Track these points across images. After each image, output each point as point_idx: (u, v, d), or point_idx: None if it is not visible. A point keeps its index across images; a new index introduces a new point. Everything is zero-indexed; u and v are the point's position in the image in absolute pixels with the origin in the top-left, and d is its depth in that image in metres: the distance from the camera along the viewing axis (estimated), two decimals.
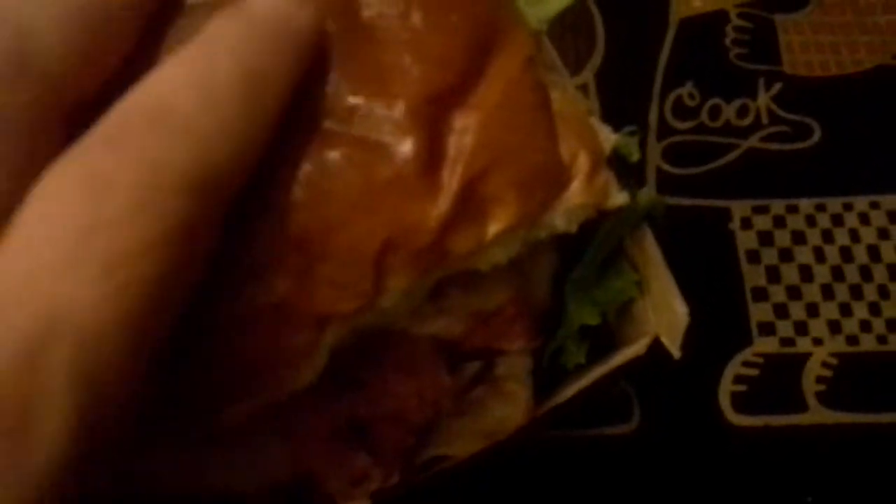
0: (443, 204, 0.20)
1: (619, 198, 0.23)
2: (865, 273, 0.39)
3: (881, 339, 0.37)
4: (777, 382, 0.37)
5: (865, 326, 0.38)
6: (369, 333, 0.23)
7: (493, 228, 0.21)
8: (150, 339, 0.16)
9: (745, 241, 0.40)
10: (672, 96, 0.43)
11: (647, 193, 0.27)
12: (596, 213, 0.23)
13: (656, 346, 0.27)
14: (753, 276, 0.39)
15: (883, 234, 0.39)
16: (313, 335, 0.20)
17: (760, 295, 0.38)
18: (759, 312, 0.38)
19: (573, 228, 0.23)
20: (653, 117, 0.42)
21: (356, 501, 0.25)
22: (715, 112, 0.43)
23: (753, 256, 0.39)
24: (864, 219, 0.40)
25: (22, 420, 0.14)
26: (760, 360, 0.37)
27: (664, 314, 0.28)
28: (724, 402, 0.36)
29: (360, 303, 0.20)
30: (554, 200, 0.22)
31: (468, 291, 0.25)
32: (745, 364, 0.37)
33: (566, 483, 0.36)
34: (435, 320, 0.25)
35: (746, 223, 0.40)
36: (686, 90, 0.43)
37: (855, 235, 0.40)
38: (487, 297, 0.25)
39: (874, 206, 0.40)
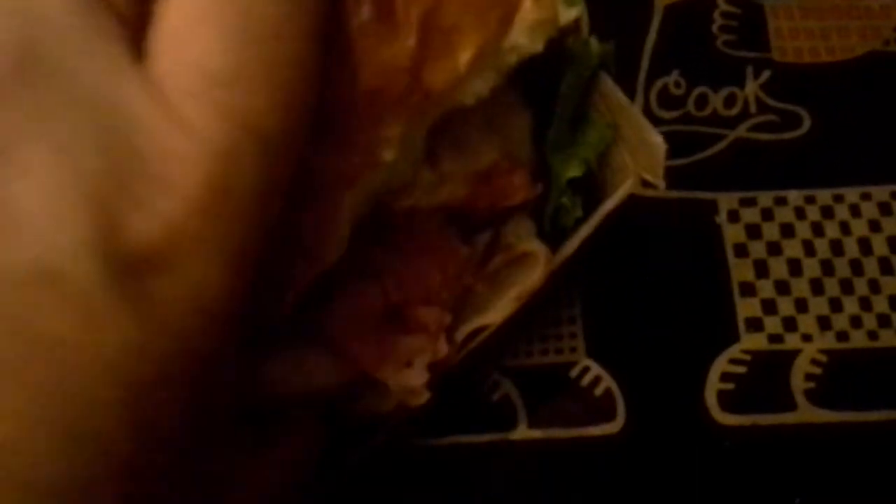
0: (408, 40, 0.22)
1: (570, 13, 0.26)
2: (856, 267, 0.38)
3: (872, 335, 0.36)
4: (765, 380, 0.36)
5: (856, 322, 0.37)
6: (385, 213, 0.25)
7: (464, 57, 0.23)
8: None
9: (733, 234, 0.39)
10: (658, 85, 0.42)
11: (595, 42, 0.29)
12: (555, 31, 0.25)
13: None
14: (741, 271, 0.38)
15: (874, 226, 0.38)
16: (330, 208, 0.22)
17: (748, 290, 0.37)
18: (747, 308, 0.37)
19: (538, 46, 0.24)
20: (637, 107, 0.41)
21: (415, 377, 0.27)
22: (702, 101, 0.42)
23: (741, 250, 0.38)
24: (855, 211, 0.39)
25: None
26: (748, 357, 0.36)
27: (641, 152, 0.29)
28: (711, 400, 0.35)
29: (365, 158, 0.22)
30: (510, 18, 0.24)
31: (460, 152, 0.26)
32: (732, 361, 0.36)
33: (550, 485, 0.35)
34: (439, 189, 0.26)
35: (734, 216, 0.39)
36: (672, 79, 0.42)
37: (846, 228, 0.38)
38: (478, 156, 0.27)
39: (865, 197, 0.39)
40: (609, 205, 0.30)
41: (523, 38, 0.24)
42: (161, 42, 0.17)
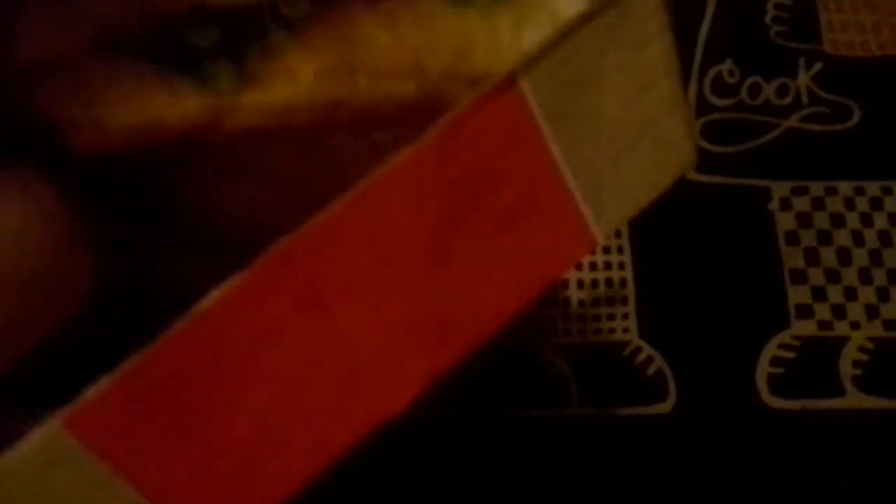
0: None
1: None
2: None
3: None
4: (814, 366, 0.37)
5: None
6: None
7: None
8: None
9: (784, 222, 0.39)
10: (712, 73, 0.42)
11: None
12: None
13: None
14: (792, 258, 0.38)
15: None
16: None
17: (799, 277, 0.38)
18: (797, 295, 0.38)
19: None
20: (692, 94, 0.42)
21: None
22: (755, 90, 0.42)
23: (792, 238, 0.39)
24: None
25: None
26: (798, 342, 0.37)
27: None
28: (761, 383, 0.36)
29: None
30: None
31: None
32: (782, 346, 0.37)
33: (601, 461, 0.35)
34: None
35: (786, 204, 0.40)
36: (726, 67, 0.43)
37: (893, 219, 0.39)
38: None
39: None
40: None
41: None
42: None
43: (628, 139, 0.20)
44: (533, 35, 0.18)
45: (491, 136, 0.17)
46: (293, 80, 0.17)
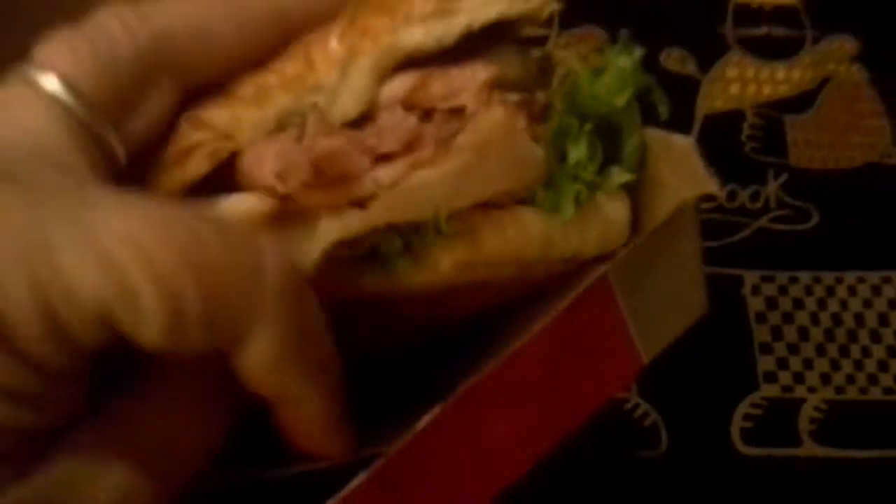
0: None
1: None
2: (852, 336, 0.47)
3: (863, 391, 0.46)
4: (778, 421, 0.45)
5: (850, 379, 0.46)
6: None
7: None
8: None
9: (755, 304, 0.48)
10: None
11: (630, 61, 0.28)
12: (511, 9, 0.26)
13: None
14: (761, 334, 0.47)
15: (867, 304, 0.48)
16: None
17: (766, 349, 0.47)
18: (765, 364, 0.47)
19: (490, 14, 0.25)
20: None
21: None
22: (732, 195, 0.52)
23: (761, 317, 0.48)
24: (852, 291, 0.49)
25: None
26: (765, 402, 0.46)
27: (678, 164, 0.27)
28: (735, 434, 0.45)
29: None
30: None
31: None
32: (753, 405, 0.45)
33: (601, 499, 0.44)
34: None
35: (756, 289, 0.49)
36: None
37: (844, 304, 0.48)
38: None
39: (860, 280, 0.49)
40: (655, 223, 0.28)
41: (473, 2, 0.25)
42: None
43: (667, 299, 0.30)
44: (594, 234, 0.26)
45: (584, 312, 0.26)
46: (438, 269, 0.24)
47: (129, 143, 0.23)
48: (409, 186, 0.23)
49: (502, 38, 0.26)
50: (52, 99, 0.22)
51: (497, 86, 0.25)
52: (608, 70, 0.27)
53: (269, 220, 0.23)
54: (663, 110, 0.28)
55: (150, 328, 0.19)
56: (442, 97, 0.24)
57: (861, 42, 0.58)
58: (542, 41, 0.58)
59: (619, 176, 0.26)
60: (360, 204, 0.23)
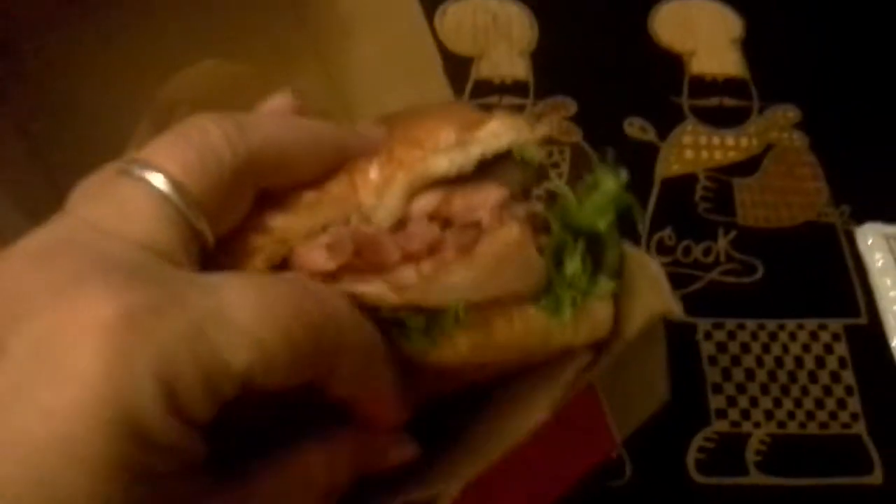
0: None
1: (540, 129, 0.32)
2: (792, 377, 0.53)
3: (802, 425, 0.52)
4: (727, 453, 0.51)
5: (791, 416, 0.52)
6: None
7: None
8: None
9: (707, 348, 0.54)
10: (656, 237, 0.58)
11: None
12: (523, 140, 0.31)
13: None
14: (712, 375, 0.53)
15: (806, 348, 0.54)
16: None
17: (717, 389, 0.53)
18: (716, 401, 0.53)
19: (502, 144, 0.31)
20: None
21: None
22: (687, 251, 0.58)
23: (712, 360, 0.54)
24: (793, 336, 0.55)
25: None
26: (716, 436, 0.51)
27: (649, 288, 0.33)
28: (691, 465, 0.50)
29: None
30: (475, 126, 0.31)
31: None
32: (706, 439, 0.51)
33: None
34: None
35: (708, 335, 0.55)
36: (666, 233, 0.58)
37: (786, 349, 0.54)
38: None
39: (800, 327, 0.55)
40: (631, 327, 0.33)
41: (486, 135, 0.30)
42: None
43: (638, 391, 0.37)
44: (584, 329, 0.31)
45: (574, 409, 0.33)
46: (455, 350, 0.29)
47: (217, 236, 0.27)
48: (439, 280, 0.28)
49: (508, 155, 0.31)
50: (164, 198, 0.24)
51: (508, 205, 0.31)
52: (598, 190, 0.33)
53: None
54: (640, 224, 0.35)
55: (277, 378, 0.24)
56: (461, 212, 0.30)
57: (802, 111, 0.65)
58: (520, 108, 0.65)
59: (605, 285, 0.31)
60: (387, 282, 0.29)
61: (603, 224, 0.32)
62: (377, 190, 0.29)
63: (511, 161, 0.31)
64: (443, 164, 0.29)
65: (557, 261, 0.31)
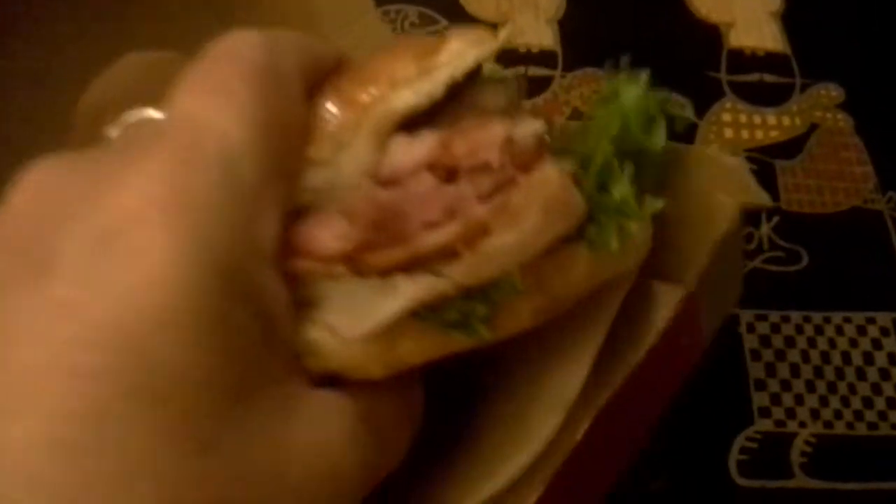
0: None
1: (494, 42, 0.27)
2: (839, 373, 0.50)
3: (850, 426, 0.49)
4: (771, 454, 0.48)
5: (838, 415, 0.49)
6: None
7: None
8: None
9: (749, 342, 0.51)
10: None
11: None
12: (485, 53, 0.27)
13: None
14: (755, 371, 0.50)
15: (853, 343, 0.51)
16: None
17: (760, 386, 0.50)
18: (759, 399, 0.49)
19: (468, 62, 0.26)
20: None
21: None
22: None
23: (755, 355, 0.51)
24: (840, 330, 0.52)
25: None
26: (759, 436, 0.48)
27: (728, 180, 0.32)
28: (732, 466, 0.48)
29: None
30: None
31: None
32: (748, 439, 0.48)
33: None
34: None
35: (750, 328, 0.52)
36: None
37: (832, 343, 0.51)
38: None
39: (847, 320, 0.52)
40: (719, 233, 0.32)
41: (448, 57, 0.26)
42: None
43: (724, 285, 0.36)
44: (630, 257, 0.29)
45: (677, 324, 0.32)
46: (517, 321, 0.26)
47: None
48: (484, 250, 0.24)
49: (476, 74, 0.27)
50: None
51: (515, 137, 0.26)
52: (618, 100, 0.30)
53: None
54: (680, 119, 0.31)
55: None
56: (464, 156, 0.25)
57: (845, 90, 0.61)
58: (547, 81, 0.61)
59: (651, 205, 0.28)
60: (428, 269, 0.25)
61: (656, 141, 0.29)
62: (335, 142, 0.25)
63: (485, 81, 0.28)
64: (407, 97, 0.25)
65: (599, 186, 0.28)
